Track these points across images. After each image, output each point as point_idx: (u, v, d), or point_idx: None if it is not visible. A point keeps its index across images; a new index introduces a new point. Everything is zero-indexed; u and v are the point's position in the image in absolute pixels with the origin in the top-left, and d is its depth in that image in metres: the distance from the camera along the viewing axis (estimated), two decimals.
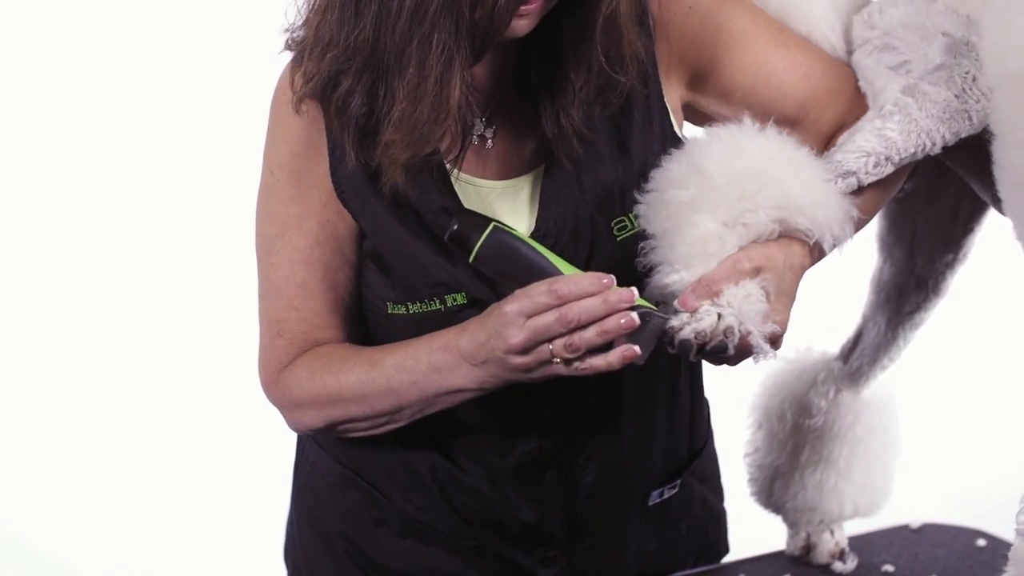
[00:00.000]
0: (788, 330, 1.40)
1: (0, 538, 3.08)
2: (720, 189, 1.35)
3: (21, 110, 3.54)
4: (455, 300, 1.44)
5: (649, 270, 1.38)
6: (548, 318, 1.30)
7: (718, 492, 1.74)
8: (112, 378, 3.33)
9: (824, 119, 1.47)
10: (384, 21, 1.29)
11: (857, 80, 1.46)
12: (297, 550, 1.69)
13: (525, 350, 1.32)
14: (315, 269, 1.48)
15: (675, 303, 1.34)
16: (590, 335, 1.30)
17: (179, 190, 3.48)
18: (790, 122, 1.45)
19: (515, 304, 1.32)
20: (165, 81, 3.53)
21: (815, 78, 1.46)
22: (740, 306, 1.33)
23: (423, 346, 1.41)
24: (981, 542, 1.75)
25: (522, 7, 1.31)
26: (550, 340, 1.31)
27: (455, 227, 1.33)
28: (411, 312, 1.46)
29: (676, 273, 1.35)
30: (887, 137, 1.38)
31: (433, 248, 1.44)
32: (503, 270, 1.35)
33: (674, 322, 1.33)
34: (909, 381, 3.01)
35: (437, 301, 1.45)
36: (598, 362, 1.32)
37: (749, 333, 1.33)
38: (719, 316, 1.32)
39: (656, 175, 1.40)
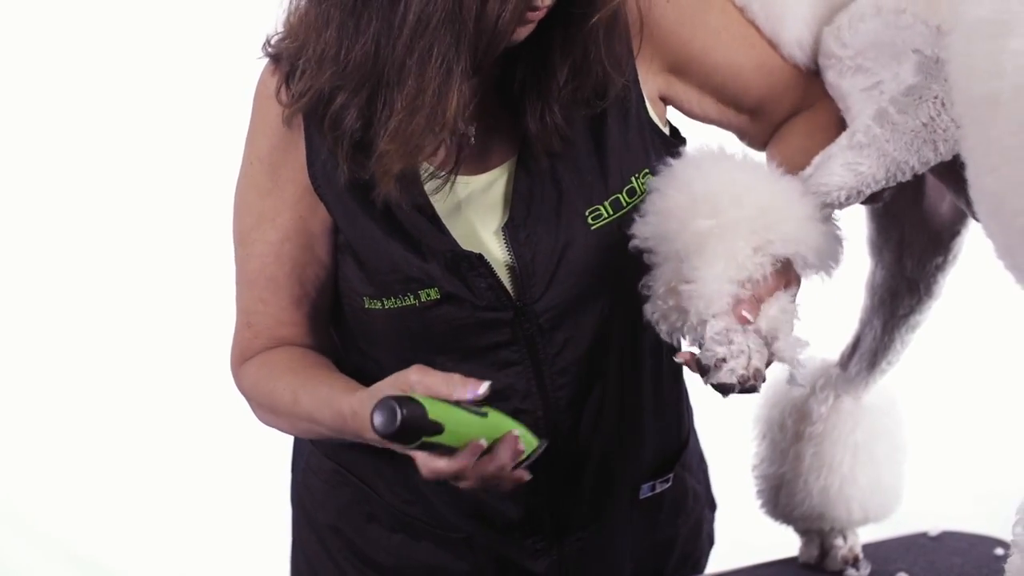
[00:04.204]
0: None
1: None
2: (743, 221, 1.37)
3: (21, 110, 3.60)
4: (428, 295, 1.46)
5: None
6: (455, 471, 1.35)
7: (703, 482, 1.74)
8: (119, 380, 3.39)
9: (780, 110, 1.52)
10: (386, 35, 1.30)
11: (811, 72, 1.50)
12: (297, 548, 1.72)
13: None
14: (283, 264, 1.51)
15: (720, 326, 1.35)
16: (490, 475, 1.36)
17: (177, 190, 3.53)
18: (749, 111, 1.51)
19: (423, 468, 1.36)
20: (160, 81, 3.57)
21: (776, 75, 1.50)
22: (778, 323, 1.36)
23: (326, 405, 1.44)
24: (999, 551, 1.74)
25: (527, 13, 1.32)
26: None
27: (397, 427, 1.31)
28: (387, 307, 1.48)
29: (722, 284, 1.36)
30: (860, 172, 1.39)
31: (405, 245, 1.45)
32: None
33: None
34: (942, 388, 3.01)
35: (411, 296, 1.46)
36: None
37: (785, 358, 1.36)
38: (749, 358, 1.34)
39: (656, 199, 1.40)
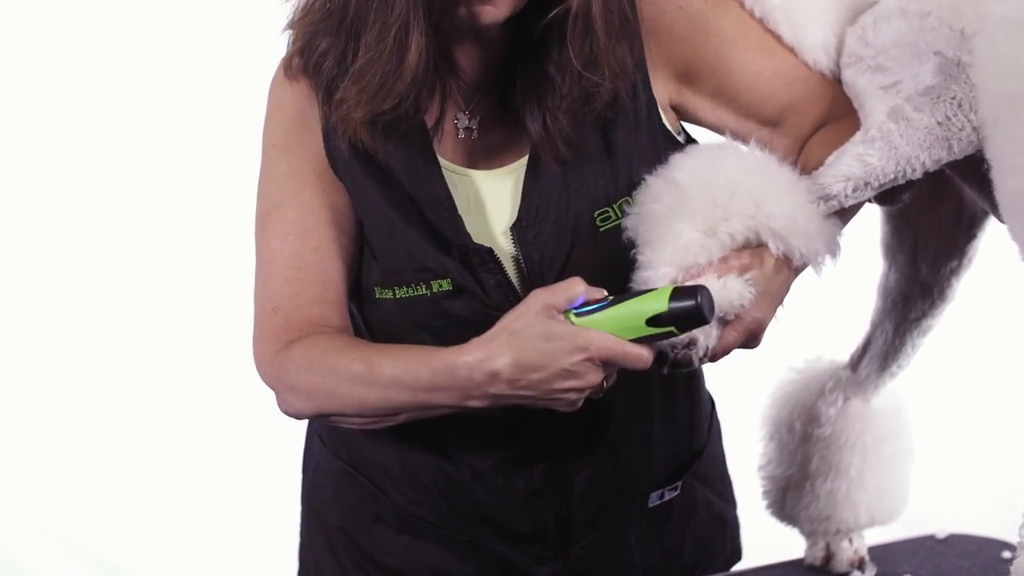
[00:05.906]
0: (779, 332, 1.42)
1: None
2: (693, 199, 1.36)
3: (21, 110, 3.58)
4: (440, 286, 1.45)
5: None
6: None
7: (724, 495, 1.73)
8: (134, 380, 3.39)
9: (804, 123, 1.47)
10: None
11: (837, 84, 1.47)
12: (305, 548, 1.71)
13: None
14: (309, 240, 1.46)
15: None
16: None
17: (179, 190, 3.52)
18: (771, 124, 1.47)
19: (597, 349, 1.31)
20: (165, 81, 3.56)
21: (798, 85, 1.47)
22: (717, 296, 1.34)
23: (421, 364, 1.37)
24: (1007, 554, 1.73)
25: None
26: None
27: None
28: (398, 297, 1.47)
29: (663, 268, 1.36)
30: (868, 164, 1.38)
31: (422, 233, 1.45)
32: None
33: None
34: (951, 391, 3.00)
35: (423, 286, 1.45)
36: None
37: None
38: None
39: (640, 189, 1.41)
